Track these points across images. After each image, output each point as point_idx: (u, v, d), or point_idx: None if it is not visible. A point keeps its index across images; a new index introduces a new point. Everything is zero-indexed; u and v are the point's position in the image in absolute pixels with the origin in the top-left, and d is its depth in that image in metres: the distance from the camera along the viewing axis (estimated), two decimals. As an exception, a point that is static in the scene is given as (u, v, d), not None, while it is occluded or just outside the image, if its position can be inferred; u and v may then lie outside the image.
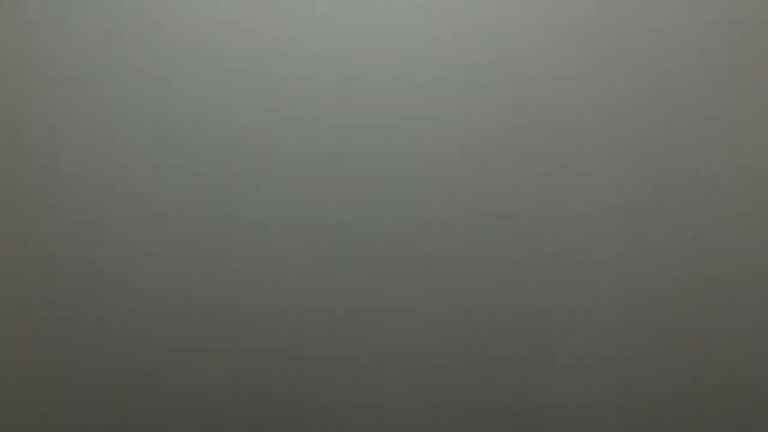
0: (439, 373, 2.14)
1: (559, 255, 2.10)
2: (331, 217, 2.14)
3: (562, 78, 2.08)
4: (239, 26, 2.14)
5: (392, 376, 2.14)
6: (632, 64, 2.07)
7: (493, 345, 2.12)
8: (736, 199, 2.06)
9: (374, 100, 2.12)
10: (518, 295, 2.11)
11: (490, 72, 2.10)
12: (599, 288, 2.09)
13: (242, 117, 2.15)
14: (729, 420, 2.08)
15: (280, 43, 2.13)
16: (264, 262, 2.15)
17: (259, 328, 2.16)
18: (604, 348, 2.10)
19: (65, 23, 2.16)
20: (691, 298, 2.08)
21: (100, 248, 2.18)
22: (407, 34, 2.11)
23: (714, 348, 2.08)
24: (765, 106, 2.05)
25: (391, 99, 2.11)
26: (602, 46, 2.07)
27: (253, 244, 2.15)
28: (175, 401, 2.18)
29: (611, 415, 2.11)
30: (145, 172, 2.17)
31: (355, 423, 2.16)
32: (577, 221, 2.09)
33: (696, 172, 2.07)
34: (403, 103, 2.11)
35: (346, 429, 2.16)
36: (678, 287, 2.08)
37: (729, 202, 2.06)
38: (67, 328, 2.19)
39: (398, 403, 2.15)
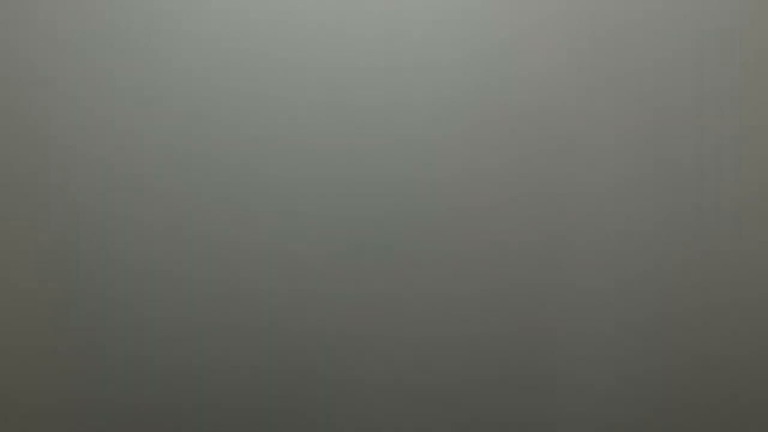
0: (438, 371, 2.14)
1: (559, 252, 2.10)
2: (332, 217, 2.14)
3: (563, 77, 2.08)
4: (240, 24, 2.14)
5: (392, 374, 2.14)
6: (633, 61, 2.06)
7: (493, 345, 2.12)
8: (736, 198, 2.05)
9: (373, 96, 2.12)
10: (518, 295, 2.11)
11: (490, 71, 2.09)
12: (599, 287, 2.09)
13: (247, 116, 2.15)
14: (729, 420, 2.08)
15: (284, 45, 2.13)
16: (265, 262, 2.15)
17: (261, 318, 2.16)
18: (604, 348, 2.10)
19: (62, 21, 2.16)
20: (691, 298, 2.08)
21: (99, 248, 2.18)
22: (408, 33, 2.10)
23: (714, 348, 2.07)
24: (765, 106, 2.04)
25: (390, 97, 2.11)
26: (603, 46, 2.07)
27: (255, 242, 2.15)
28: (175, 403, 2.18)
29: (611, 416, 2.11)
30: (146, 172, 2.17)
31: (354, 423, 2.16)
32: (576, 219, 2.09)
33: (696, 172, 2.06)
34: (403, 101, 2.11)
35: (346, 429, 2.16)
36: (678, 287, 2.08)
37: (730, 202, 2.06)
38: (66, 330, 2.19)
39: (398, 403, 2.15)
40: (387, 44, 2.10)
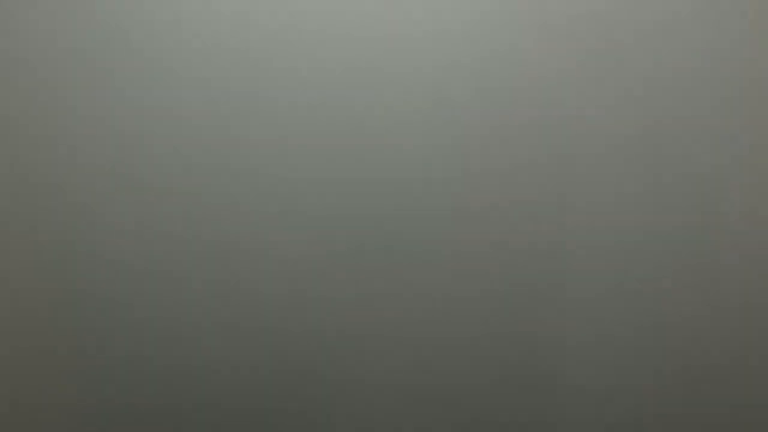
0: (438, 371, 2.14)
1: (558, 253, 2.10)
2: (332, 217, 2.14)
3: (563, 76, 2.08)
4: (240, 23, 2.14)
5: (392, 374, 2.14)
6: (633, 61, 2.06)
7: (493, 345, 2.12)
8: (737, 198, 2.05)
9: (374, 97, 2.12)
10: (518, 295, 2.11)
11: (490, 72, 2.09)
12: (599, 288, 2.09)
13: (245, 116, 2.15)
14: (729, 420, 2.08)
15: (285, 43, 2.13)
16: (265, 262, 2.15)
17: (260, 316, 2.16)
18: (604, 348, 2.10)
19: (59, 21, 2.17)
20: (691, 298, 2.08)
21: (99, 248, 2.18)
22: (407, 33, 2.11)
23: (714, 348, 2.07)
24: (766, 106, 2.04)
25: (391, 97, 2.11)
26: (603, 45, 2.07)
27: (255, 242, 2.15)
28: (175, 403, 2.18)
29: (611, 416, 2.10)
30: (146, 172, 2.17)
31: (354, 423, 2.15)
32: (576, 220, 2.09)
33: (696, 170, 2.06)
34: (404, 101, 2.11)
35: (346, 428, 2.16)
36: (679, 287, 2.08)
37: (730, 202, 2.06)
38: (66, 331, 2.19)
39: (398, 403, 2.15)
40: (387, 45, 2.11)
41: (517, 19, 2.07)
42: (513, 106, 2.09)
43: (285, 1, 2.12)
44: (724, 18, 2.04)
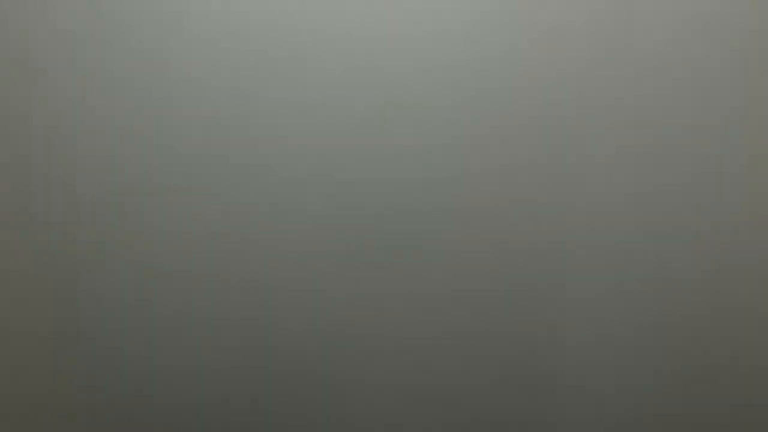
0: (438, 371, 2.14)
1: (558, 253, 2.10)
2: (332, 216, 2.14)
3: (563, 76, 2.08)
4: (242, 21, 2.14)
5: (392, 374, 2.14)
6: (632, 61, 2.07)
7: (493, 345, 2.12)
8: (737, 198, 2.05)
9: (374, 97, 2.12)
10: (518, 295, 2.11)
11: (491, 72, 2.10)
12: (600, 288, 2.09)
13: (247, 116, 2.15)
14: (729, 421, 2.07)
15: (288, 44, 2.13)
16: (266, 262, 2.15)
17: (258, 315, 2.16)
18: (604, 348, 2.10)
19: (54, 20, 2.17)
20: (691, 298, 2.08)
21: (99, 247, 2.18)
22: (407, 33, 2.11)
23: (715, 349, 2.07)
24: (766, 106, 2.04)
25: (391, 97, 2.11)
26: (603, 45, 2.07)
27: (255, 242, 2.15)
28: (175, 403, 2.18)
29: (611, 416, 2.10)
30: (146, 171, 2.17)
31: (354, 423, 2.16)
32: (576, 220, 2.09)
33: (696, 170, 2.06)
34: (403, 99, 2.11)
35: (345, 428, 2.16)
36: (679, 287, 2.08)
37: (730, 202, 2.06)
38: (64, 331, 2.19)
39: (398, 403, 2.15)
40: (388, 45, 2.11)
41: (517, 19, 2.08)
42: (513, 106, 2.09)
43: (285, 1, 2.12)
44: (724, 18, 2.04)
